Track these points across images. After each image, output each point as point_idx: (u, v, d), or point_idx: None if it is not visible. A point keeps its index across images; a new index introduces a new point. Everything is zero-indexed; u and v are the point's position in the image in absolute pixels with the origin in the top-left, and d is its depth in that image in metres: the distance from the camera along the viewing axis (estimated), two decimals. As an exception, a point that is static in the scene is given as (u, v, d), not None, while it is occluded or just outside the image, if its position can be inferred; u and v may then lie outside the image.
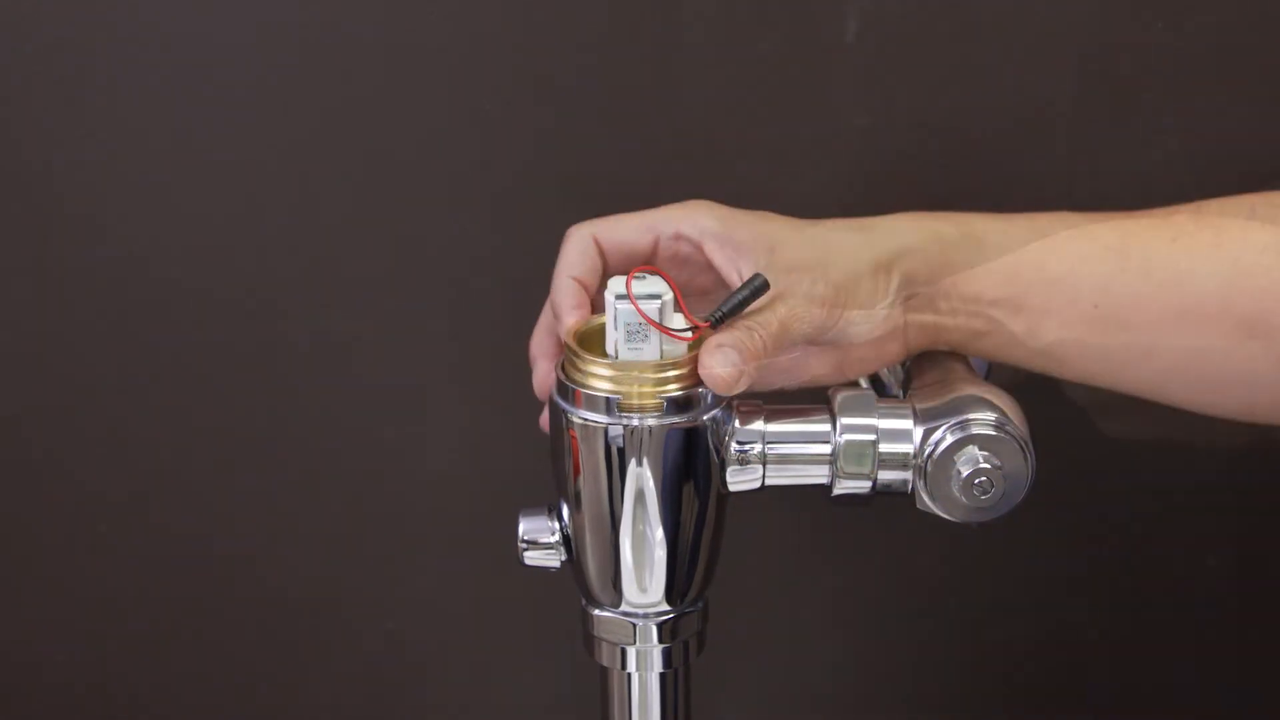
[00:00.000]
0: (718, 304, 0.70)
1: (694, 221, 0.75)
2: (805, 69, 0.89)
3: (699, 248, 0.75)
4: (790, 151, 0.91)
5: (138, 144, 0.91)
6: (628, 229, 0.75)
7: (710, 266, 0.75)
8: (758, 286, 0.70)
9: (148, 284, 0.94)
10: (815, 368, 0.77)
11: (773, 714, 1.05)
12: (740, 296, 0.70)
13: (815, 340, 0.74)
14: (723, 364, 0.68)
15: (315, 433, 0.98)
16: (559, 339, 0.74)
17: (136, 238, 0.93)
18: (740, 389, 0.69)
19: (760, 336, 0.69)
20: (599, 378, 0.70)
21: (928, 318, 0.75)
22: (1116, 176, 0.90)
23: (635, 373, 0.69)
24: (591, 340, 0.73)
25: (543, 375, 0.75)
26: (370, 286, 0.94)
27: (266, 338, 0.95)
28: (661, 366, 0.69)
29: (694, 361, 0.70)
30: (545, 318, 0.77)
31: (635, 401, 0.69)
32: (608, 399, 0.70)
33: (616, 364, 0.70)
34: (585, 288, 0.74)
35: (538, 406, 0.76)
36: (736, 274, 0.73)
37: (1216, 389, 0.76)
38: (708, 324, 0.70)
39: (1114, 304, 0.74)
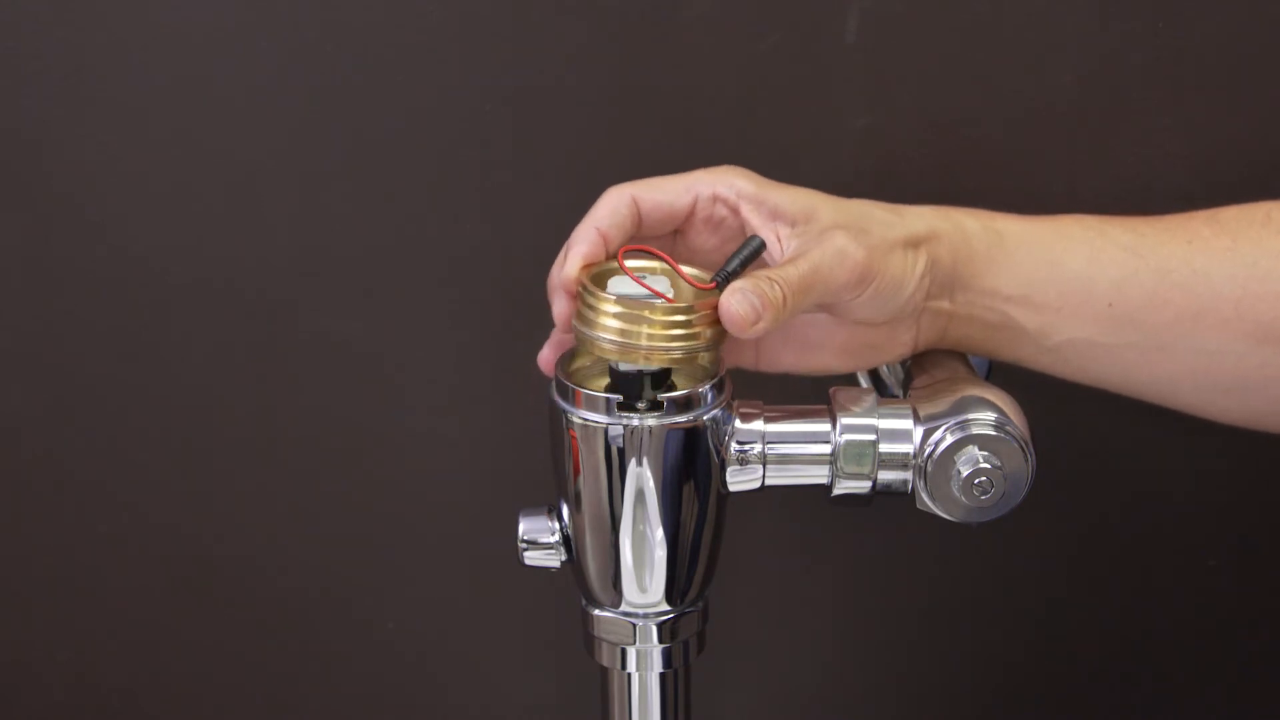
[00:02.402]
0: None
1: (730, 184, 0.75)
2: (805, 69, 0.89)
3: (735, 210, 0.75)
4: (790, 151, 0.91)
5: (138, 144, 0.91)
6: (667, 190, 0.75)
7: (742, 232, 0.75)
8: (756, 247, 0.71)
9: (148, 283, 0.94)
10: (825, 353, 0.77)
11: (773, 714, 1.05)
12: (741, 256, 0.70)
13: (837, 304, 0.73)
14: (741, 303, 0.68)
15: (315, 433, 0.98)
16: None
17: (136, 237, 0.93)
18: (757, 332, 0.69)
19: (781, 289, 0.69)
20: (608, 315, 0.69)
21: (943, 305, 0.75)
22: (1116, 176, 0.90)
23: (646, 313, 0.69)
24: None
25: (562, 307, 0.73)
26: (370, 286, 0.94)
27: (266, 337, 0.95)
28: (672, 310, 0.69)
29: (705, 309, 0.69)
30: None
31: (644, 344, 0.69)
32: (608, 399, 0.70)
33: (626, 301, 0.69)
34: (606, 240, 0.73)
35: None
36: (774, 235, 0.73)
37: (1228, 394, 0.76)
38: (713, 284, 0.70)
39: (1128, 303, 0.74)
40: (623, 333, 0.68)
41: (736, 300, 0.68)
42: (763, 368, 0.78)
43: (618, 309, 0.68)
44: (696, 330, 0.69)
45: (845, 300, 0.73)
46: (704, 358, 0.70)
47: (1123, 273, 0.74)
